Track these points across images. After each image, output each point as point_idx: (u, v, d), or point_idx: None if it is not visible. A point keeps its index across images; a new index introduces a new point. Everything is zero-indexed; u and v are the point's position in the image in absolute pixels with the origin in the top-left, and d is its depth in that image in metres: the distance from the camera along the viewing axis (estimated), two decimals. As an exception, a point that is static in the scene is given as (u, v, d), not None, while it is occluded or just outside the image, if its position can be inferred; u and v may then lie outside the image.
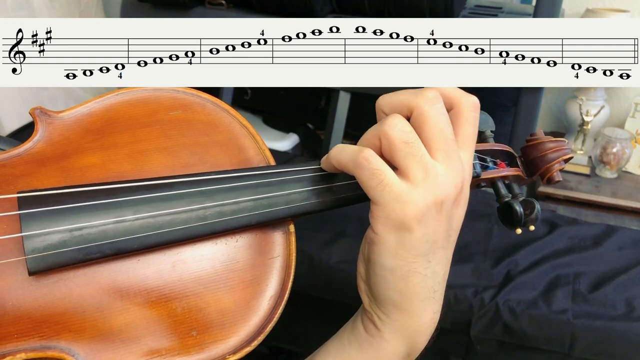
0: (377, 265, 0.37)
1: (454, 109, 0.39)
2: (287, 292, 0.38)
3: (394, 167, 0.37)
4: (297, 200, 0.39)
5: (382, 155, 0.37)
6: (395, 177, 0.36)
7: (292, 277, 0.39)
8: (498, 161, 0.48)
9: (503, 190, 0.46)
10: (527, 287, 0.85)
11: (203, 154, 0.40)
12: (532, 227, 0.44)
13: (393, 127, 0.36)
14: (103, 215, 0.35)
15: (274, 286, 0.38)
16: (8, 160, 0.37)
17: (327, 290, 0.92)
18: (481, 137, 0.47)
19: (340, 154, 0.38)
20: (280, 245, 0.39)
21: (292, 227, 0.40)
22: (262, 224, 0.39)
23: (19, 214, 0.34)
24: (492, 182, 0.46)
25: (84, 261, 0.34)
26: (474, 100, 0.40)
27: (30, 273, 0.33)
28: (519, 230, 0.44)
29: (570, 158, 0.47)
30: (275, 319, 0.37)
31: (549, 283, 0.86)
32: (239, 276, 0.38)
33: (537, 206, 0.44)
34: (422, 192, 0.35)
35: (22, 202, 0.34)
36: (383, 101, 0.40)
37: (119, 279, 0.35)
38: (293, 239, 0.40)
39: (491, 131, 0.47)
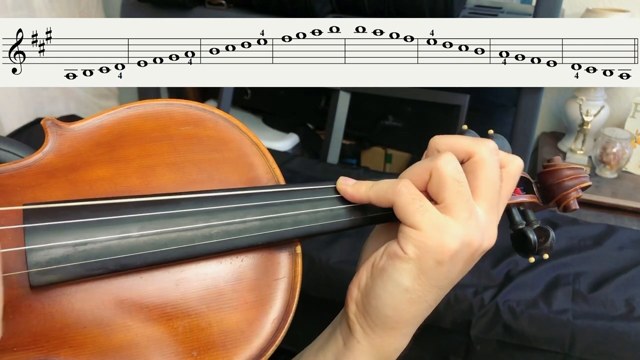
0: (390, 281, 0.37)
1: (473, 157, 0.40)
2: (291, 314, 0.37)
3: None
4: (305, 222, 0.38)
5: (425, 192, 0.37)
6: (435, 208, 0.37)
7: (296, 300, 0.38)
8: None
9: (517, 217, 0.44)
10: (527, 287, 0.85)
11: (212, 170, 0.40)
12: (546, 256, 0.43)
13: (447, 164, 0.37)
14: (108, 231, 0.34)
15: (277, 308, 0.37)
16: (16, 171, 0.37)
17: (327, 290, 0.92)
18: None
19: (377, 185, 0.38)
20: (286, 267, 0.39)
21: (299, 249, 0.39)
22: (269, 244, 0.38)
23: (24, 227, 0.33)
24: (506, 209, 0.44)
25: (86, 277, 0.34)
26: (520, 164, 0.41)
27: (32, 287, 0.33)
28: (532, 259, 0.43)
29: (588, 186, 0.46)
30: (278, 342, 0.36)
31: (549, 283, 0.86)
32: (243, 297, 0.37)
33: (552, 234, 0.43)
34: (462, 230, 0.36)
35: (28, 215, 0.34)
36: (440, 141, 0.40)
37: (122, 296, 0.35)
38: (299, 260, 0.39)
39: None
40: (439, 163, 0.37)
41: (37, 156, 0.38)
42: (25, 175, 0.37)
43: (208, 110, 0.43)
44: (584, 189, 0.45)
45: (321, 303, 0.90)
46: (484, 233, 0.37)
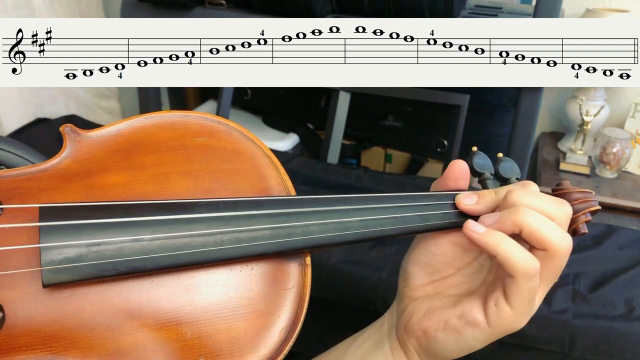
0: (464, 343, 0.39)
1: (548, 252, 0.38)
2: (299, 325, 0.38)
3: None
4: (315, 232, 0.39)
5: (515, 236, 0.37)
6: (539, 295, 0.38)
7: (305, 311, 0.38)
8: None
9: None
10: (527, 287, 0.85)
11: (225, 180, 0.41)
12: None
13: (565, 257, 0.38)
14: (121, 233, 0.35)
15: (286, 318, 0.38)
16: (34, 175, 0.38)
17: (327, 290, 0.92)
18: (507, 184, 0.45)
19: (512, 246, 0.36)
20: (296, 277, 0.39)
21: (308, 259, 0.40)
22: (279, 254, 0.38)
23: (39, 225, 0.34)
24: None
25: (98, 277, 0.34)
26: (568, 245, 0.39)
27: (45, 285, 0.33)
28: None
29: (598, 210, 0.45)
30: (286, 351, 0.37)
31: (549, 283, 0.86)
32: (252, 305, 0.37)
33: None
34: (539, 302, 0.39)
35: (43, 214, 0.34)
36: (529, 203, 0.37)
37: (131, 299, 0.35)
38: (309, 271, 0.39)
39: (516, 178, 0.46)
40: (562, 254, 0.37)
41: (54, 161, 0.39)
42: (42, 178, 0.38)
43: (223, 122, 0.43)
44: (593, 213, 0.45)
45: (321, 303, 0.90)
46: None
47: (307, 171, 1.24)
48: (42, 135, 1.46)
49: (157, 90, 1.57)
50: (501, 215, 0.38)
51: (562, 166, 1.44)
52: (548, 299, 0.83)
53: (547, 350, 0.81)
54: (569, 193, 0.45)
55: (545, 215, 0.37)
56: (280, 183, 0.42)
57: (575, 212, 0.44)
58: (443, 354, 0.41)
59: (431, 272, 0.44)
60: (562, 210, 0.38)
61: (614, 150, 1.37)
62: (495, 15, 1.31)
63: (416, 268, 0.45)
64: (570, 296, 0.83)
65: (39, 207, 0.35)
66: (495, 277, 0.41)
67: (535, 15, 1.12)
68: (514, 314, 0.37)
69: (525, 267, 0.36)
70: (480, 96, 1.39)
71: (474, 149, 0.45)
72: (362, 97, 1.48)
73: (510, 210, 0.37)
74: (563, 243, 0.37)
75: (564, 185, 0.47)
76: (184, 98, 1.93)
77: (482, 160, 0.44)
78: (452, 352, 0.40)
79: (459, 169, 0.42)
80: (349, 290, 0.89)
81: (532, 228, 0.36)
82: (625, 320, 0.79)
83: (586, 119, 1.41)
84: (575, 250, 0.94)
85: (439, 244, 0.43)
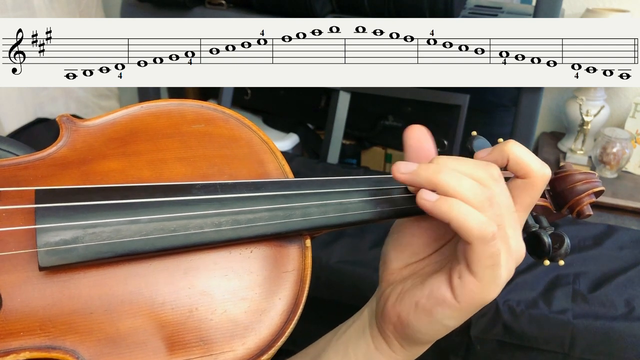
0: (437, 323, 0.38)
1: (529, 179, 0.39)
2: (300, 307, 0.37)
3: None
4: (314, 214, 0.38)
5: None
6: (504, 261, 0.36)
7: (306, 293, 0.38)
8: None
9: (530, 220, 0.44)
10: (527, 287, 0.85)
11: (222, 166, 0.41)
12: (561, 262, 0.42)
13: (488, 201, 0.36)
14: (118, 215, 0.35)
15: (286, 301, 0.37)
16: (31, 163, 0.38)
17: (327, 290, 0.92)
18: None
19: (465, 209, 0.34)
20: (296, 260, 0.39)
21: (308, 242, 0.39)
22: (278, 236, 0.38)
23: (35, 207, 0.34)
24: None
25: (95, 260, 0.34)
26: (547, 173, 0.39)
27: (41, 268, 0.33)
28: (546, 262, 0.42)
29: (602, 191, 0.45)
30: (287, 334, 0.36)
31: (549, 283, 0.86)
32: (251, 288, 0.37)
33: (567, 241, 0.42)
34: (507, 274, 0.36)
35: (39, 196, 0.34)
36: (515, 152, 0.39)
37: (130, 282, 0.35)
38: (309, 254, 0.39)
39: None
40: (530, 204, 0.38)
41: (51, 150, 0.39)
42: (39, 167, 0.38)
43: (219, 110, 0.44)
44: (597, 194, 0.44)
45: (321, 303, 0.90)
46: (518, 261, 0.38)
47: (307, 171, 1.24)
48: (42, 135, 1.46)
49: (157, 90, 1.57)
50: (417, 168, 0.36)
51: (562, 166, 1.44)
52: (548, 299, 0.83)
53: (547, 350, 0.81)
54: (572, 174, 0.45)
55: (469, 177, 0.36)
56: (278, 168, 0.42)
57: (578, 193, 0.44)
58: (420, 337, 0.39)
59: (410, 254, 0.43)
60: (485, 170, 0.36)
61: (614, 150, 1.37)
62: (495, 15, 1.31)
63: (395, 251, 0.44)
64: (570, 296, 0.84)
65: (35, 190, 0.35)
66: (458, 250, 0.38)
67: (535, 15, 1.12)
68: (478, 283, 0.35)
69: (481, 230, 0.34)
70: (481, 96, 1.39)
71: (474, 133, 0.44)
72: (362, 97, 1.48)
73: (427, 165, 0.36)
74: (479, 195, 0.35)
75: (566, 167, 0.46)
76: (184, 98, 1.93)
77: (482, 144, 0.44)
78: (427, 334, 0.39)
79: (415, 136, 0.40)
80: (349, 290, 0.89)
81: (447, 187, 0.34)
82: (625, 320, 0.79)
83: (586, 119, 1.41)
84: (575, 250, 0.94)
85: (420, 225, 0.42)
